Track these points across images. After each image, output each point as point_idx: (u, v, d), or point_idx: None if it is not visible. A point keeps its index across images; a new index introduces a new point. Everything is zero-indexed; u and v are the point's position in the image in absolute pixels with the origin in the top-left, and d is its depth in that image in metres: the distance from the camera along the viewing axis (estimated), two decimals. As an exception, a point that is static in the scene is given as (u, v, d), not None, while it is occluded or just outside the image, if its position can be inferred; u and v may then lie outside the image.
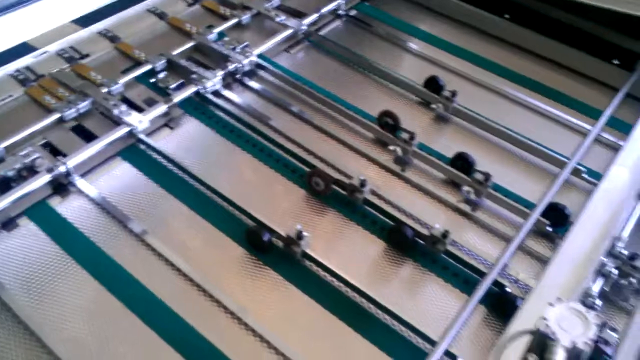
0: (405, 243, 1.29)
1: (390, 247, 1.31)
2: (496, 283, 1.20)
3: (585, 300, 1.13)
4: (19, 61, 1.70)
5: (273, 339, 1.11)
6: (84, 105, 1.50)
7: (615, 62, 1.79)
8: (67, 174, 1.33)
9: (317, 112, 1.63)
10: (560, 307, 0.72)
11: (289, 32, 1.84)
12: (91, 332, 1.10)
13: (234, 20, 1.88)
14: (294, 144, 1.51)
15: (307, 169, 1.43)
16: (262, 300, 1.19)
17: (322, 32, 1.94)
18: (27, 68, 1.68)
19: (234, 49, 1.72)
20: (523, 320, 0.83)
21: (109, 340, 1.09)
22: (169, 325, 1.12)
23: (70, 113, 1.49)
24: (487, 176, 1.39)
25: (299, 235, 1.22)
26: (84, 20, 1.88)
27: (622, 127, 1.60)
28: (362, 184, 1.34)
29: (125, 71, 1.66)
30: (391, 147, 1.52)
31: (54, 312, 1.13)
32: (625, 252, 1.20)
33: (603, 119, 1.59)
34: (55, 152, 1.42)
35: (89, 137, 1.46)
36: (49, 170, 1.31)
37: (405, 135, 1.49)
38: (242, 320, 1.13)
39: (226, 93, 1.64)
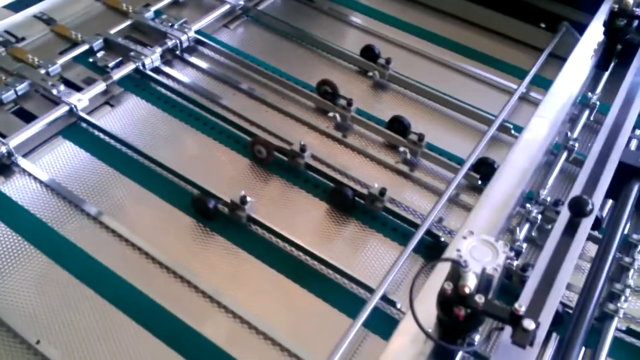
0: (346, 203, 1.36)
1: (332, 207, 1.37)
2: (432, 235, 1.28)
3: (513, 245, 1.23)
4: (-47, 48, 1.67)
5: (223, 299, 1.16)
6: (21, 87, 1.50)
7: (542, 25, 1.88)
8: (9, 154, 1.34)
9: (258, 84, 1.68)
10: (472, 239, 0.79)
11: (226, 7, 1.87)
12: (41, 304, 1.13)
13: (171, -2, 1.89)
14: (237, 116, 1.55)
15: (250, 139, 1.47)
16: (211, 264, 1.24)
17: (261, 7, 1.97)
18: (-38, 54, 1.66)
19: (171, 25, 1.74)
20: (448, 259, 0.90)
21: (59, 310, 1.12)
22: (118, 291, 1.16)
23: (8, 95, 1.49)
24: (421, 137, 1.47)
25: (243, 200, 1.26)
26: (17, 6, 1.85)
27: (546, 85, 1.68)
28: (303, 149, 1.40)
29: (63, 52, 1.66)
30: (331, 114, 1.57)
31: (2, 287, 1.15)
32: (549, 199, 1.29)
33: (528, 78, 1.68)
34: (-5, 135, 1.42)
35: (30, 119, 1.45)
36: (-10, 152, 1.32)
37: (343, 102, 1.55)
38: (192, 284, 1.18)
39: (166, 69, 1.66)
